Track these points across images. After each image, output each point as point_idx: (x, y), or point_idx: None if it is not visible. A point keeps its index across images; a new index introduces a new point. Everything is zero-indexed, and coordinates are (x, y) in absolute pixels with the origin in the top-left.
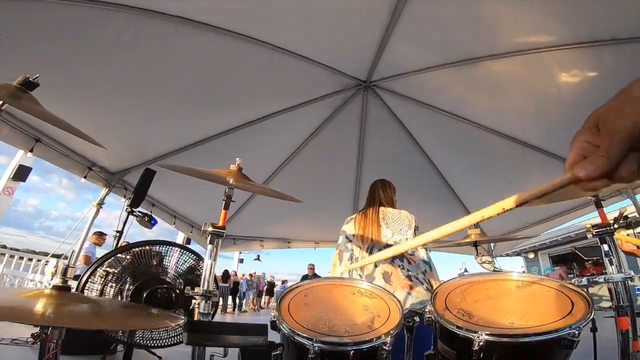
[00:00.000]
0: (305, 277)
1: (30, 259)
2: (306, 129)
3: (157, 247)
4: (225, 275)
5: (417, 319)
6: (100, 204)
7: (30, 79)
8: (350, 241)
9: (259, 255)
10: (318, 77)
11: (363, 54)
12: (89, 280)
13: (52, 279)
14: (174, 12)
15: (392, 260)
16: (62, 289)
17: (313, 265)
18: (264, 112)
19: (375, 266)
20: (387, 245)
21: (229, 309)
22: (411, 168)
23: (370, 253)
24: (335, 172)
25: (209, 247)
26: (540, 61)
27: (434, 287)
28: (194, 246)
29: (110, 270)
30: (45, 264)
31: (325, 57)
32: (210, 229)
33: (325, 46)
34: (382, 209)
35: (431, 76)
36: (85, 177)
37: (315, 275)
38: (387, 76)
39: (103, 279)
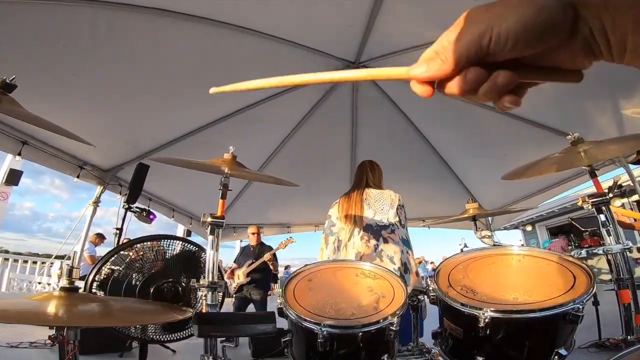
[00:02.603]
0: (245, 249)
1: (35, 262)
2: (298, 113)
3: (159, 241)
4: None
5: (421, 297)
6: (96, 202)
7: (7, 81)
8: (334, 224)
9: None
10: (306, 61)
11: (351, 35)
12: (95, 279)
13: (58, 281)
14: (156, 4)
15: (368, 239)
16: (70, 290)
17: (257, 228)
18: (254, 99)
19: (352, 247)
20: (369, 226)
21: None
22: (405, 146)
23: (352, 235)
24: (330, 154)
25: (210, 237)
26: None
27: (413, 269)
28: (195, 237)
29: (115, 268)
30: (50, 266)
31: (312, 40)
32: (209, 219)
33: (312, 29)
34: (366, 190)
35: (421, 55)
36: (78, 177)
37: (262, 245)
38: (376, 56)
39: (109, 277)
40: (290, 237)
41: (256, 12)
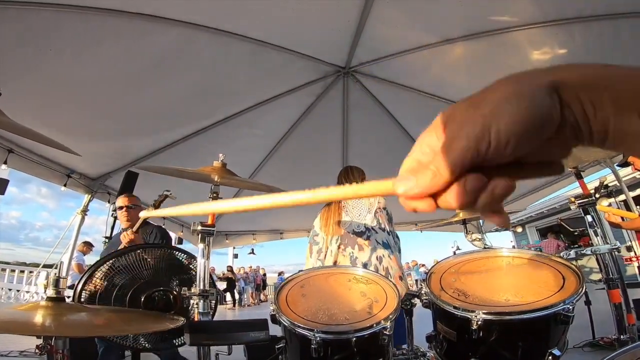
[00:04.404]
0: (114, 238)
1: (22, 271)
2: (289, 118)
3: (150, 250)
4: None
5: (414, 301)
6: (84, 211)
7: None
8: (317, 234)
9: (253, 249)
10: (297, 66)
11: (341, 40)
12: (84, 288)
13: (45, 291)
14: (147, 11)
15: (344, 248)
16: (57, 300)
17: (130, 200)
18: (245, 105)
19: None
20: (346, 234)
21: (229, 306)
22: (397, 150)
23: (330, 243)
24: (322, 158)
25: (200, 245)
26: (512, 40)
27: (393, 274)
28: (186, 245)
29: (105, 277)
30: (38, 275)
31: (302, 46)
32: (199, 227)
33: (302, 35)
34: None
35: (410, 59)
36: (65, 185)
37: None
38: (365, 61)
39: (98, 286)
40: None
41: (245, 18)
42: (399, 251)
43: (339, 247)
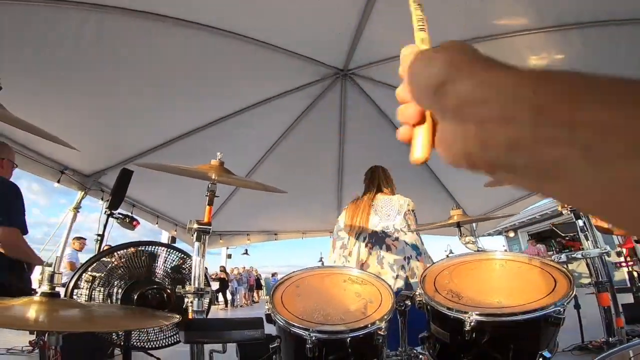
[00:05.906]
0: None
1: None
2: (286, 119)
3: (143, 248)
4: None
5: (408, 302)
6: (76, 208)
7: None
8: (342, 229)
9: (247, 250)
10: (295, 68)
11: (340, 43)
12: (76, 286)
13: (39, 286)
14: (147, 8)
15: (372, 247)
16: (51, 296)
17: None
18: (243, 105)
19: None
20: (374, 233)
21: (222, 306)
22: (392, 153)
23: (357, 241)
24: (318, 161)
25: (196, 244)
26: (512, 45)
27: (419, 275)
28: (179, 244)
29: (97, 275)
30: None
31: (302, 47)
32: (195, 226)
33: (302, 36)
34: (377, 195)
35: None
36: (58, 182)
37: None
38: (364, 64)
39: (90, 284)
40: None
41: (245, 19)
42: (425, 253)
43: (366, 246)
